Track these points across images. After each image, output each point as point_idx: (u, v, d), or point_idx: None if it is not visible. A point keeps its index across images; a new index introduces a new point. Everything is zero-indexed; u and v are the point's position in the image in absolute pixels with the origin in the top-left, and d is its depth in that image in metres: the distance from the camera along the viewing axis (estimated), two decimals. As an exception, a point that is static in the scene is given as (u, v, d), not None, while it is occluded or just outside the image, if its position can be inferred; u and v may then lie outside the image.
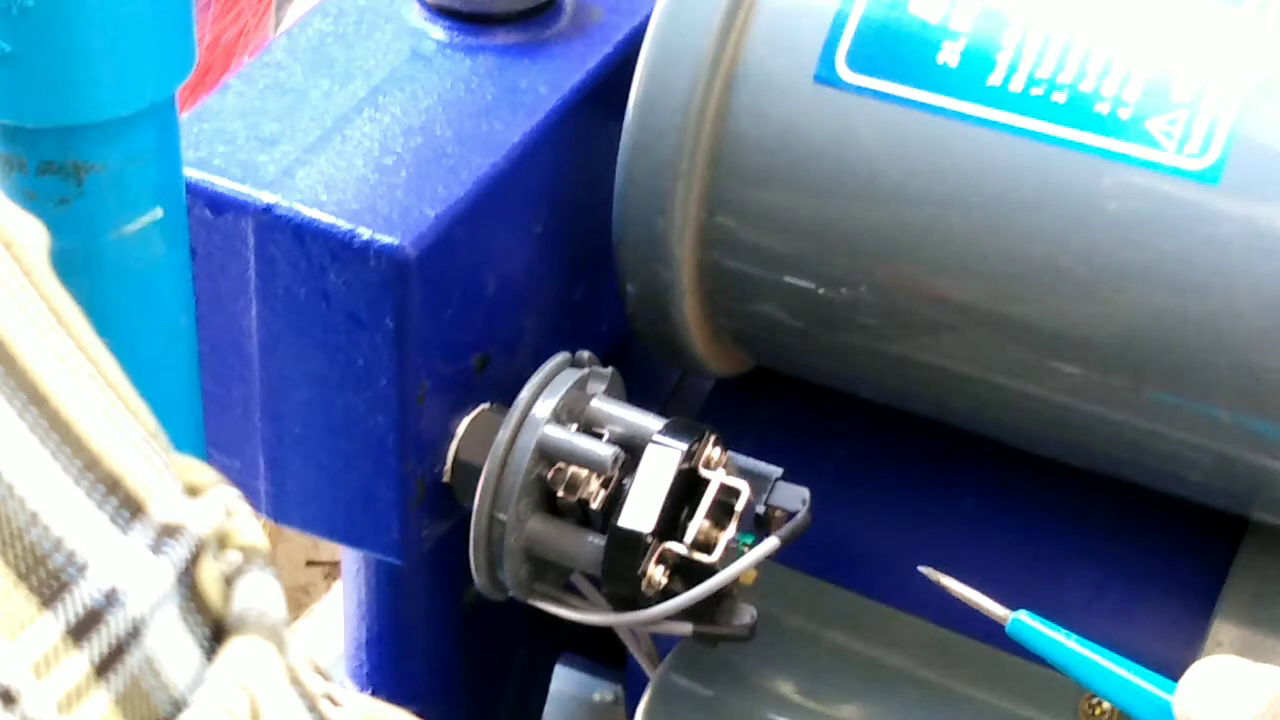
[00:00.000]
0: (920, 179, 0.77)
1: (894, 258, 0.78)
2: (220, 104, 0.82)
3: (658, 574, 0.76)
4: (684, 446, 0.77)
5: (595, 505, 0.77)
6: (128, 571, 0.36)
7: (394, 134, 0.81)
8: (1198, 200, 0.73)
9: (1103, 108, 0.75)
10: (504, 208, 0.81)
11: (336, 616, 0.97)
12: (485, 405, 0.82)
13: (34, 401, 0.36)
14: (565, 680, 1.04)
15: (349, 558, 0.93)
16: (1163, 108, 0.74)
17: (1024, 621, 0.73)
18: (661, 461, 0.77)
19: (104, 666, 0.36)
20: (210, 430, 0.80)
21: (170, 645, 0.37)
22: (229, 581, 0.39)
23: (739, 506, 0.77)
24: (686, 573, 0.77)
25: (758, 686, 0.83)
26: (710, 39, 0.79)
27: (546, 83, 0.84)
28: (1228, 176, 0.73)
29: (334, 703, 0.41)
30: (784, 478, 0.79)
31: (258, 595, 0.39)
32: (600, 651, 1.00)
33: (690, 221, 0.81)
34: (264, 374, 0.80)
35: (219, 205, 0.78)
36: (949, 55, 0.77)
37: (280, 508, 0.83)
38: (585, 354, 0.82)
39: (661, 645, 0.86)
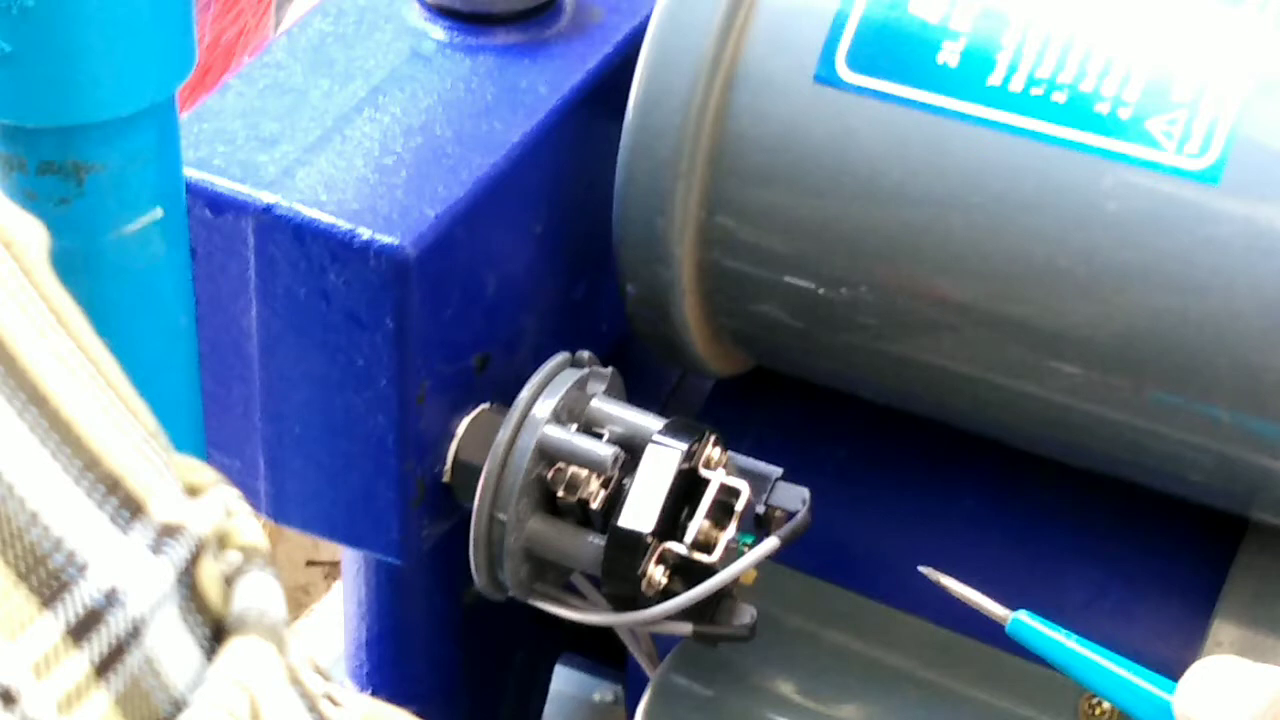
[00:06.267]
0: (920, 179, 0.77)
1: (894, 258, 0.78)
2: (220, 104, 0.82)
3: (658, 574, 0.76)
4: (684, 446, 0.77)
5: (595, 505, 0.77)
6: (128, 571, 0.36)
7: (394, 134, 0.81)
8: (1197, 200, 0.73)
9: (1103, 108, 0.75)
10: (504, 208, 0.81)
11: (336, 616, 0.97)
12: (485, 405, 0.82)
13: (34, 401, 0.36)
14: (565, 680, 1.04)
15: (349, 558, 0.93)
16: (1163, 108, 0.74)
17: (1024, 621, 0.73)
18: (661, 461, 0.77)
19: (104, 666, 0.36)
20: (210, 430, 0.80)
21: (170, 645, 0.37)
22: (229, 581, 0.39)
23: (739, 506, 0.77)
24: (686, 573, 0.77)
25: (758, 686, 0.83)
26: (710, 39, 0.79)
27: (546, 83, 0.84)
28: (1228, 176, 0.73)
29: (334, 703, 0.41)
30: (784, 478, 0.79)
31: (258, 595, 0.39)
32: (600, 651, 1.00)
33: (690, 221, 0.81)
34: (264, 374, 0.80)
35: (219, 205, 0.78)
36: (949, 55, 0.77)
37: (280, 508, 0.83)
38: (585, 354, 0.82)
39: (661, 645, 0.86)
